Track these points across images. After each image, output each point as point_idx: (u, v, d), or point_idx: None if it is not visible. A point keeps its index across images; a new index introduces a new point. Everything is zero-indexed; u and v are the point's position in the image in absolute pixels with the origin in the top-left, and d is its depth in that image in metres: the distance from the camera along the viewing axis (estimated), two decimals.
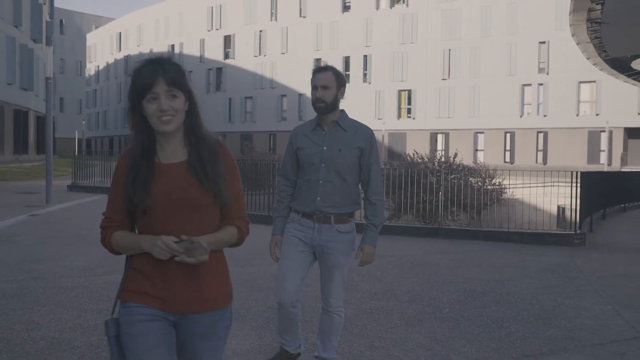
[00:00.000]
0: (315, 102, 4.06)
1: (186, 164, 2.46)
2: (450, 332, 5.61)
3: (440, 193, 13.32)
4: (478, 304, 6.73)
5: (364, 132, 4.15)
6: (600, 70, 25.86)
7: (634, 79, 25.18)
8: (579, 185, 11.70)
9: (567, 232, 11.56)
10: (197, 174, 2.43)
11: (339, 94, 4.10)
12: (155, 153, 2.48)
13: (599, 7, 15.26)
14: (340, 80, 4.11)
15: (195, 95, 2.53)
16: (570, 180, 11.87)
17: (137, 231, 2.52)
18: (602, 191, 15.41)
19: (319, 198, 4.06)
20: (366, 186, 4.20)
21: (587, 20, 16.24)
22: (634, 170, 21.01)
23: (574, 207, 11.69)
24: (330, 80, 4.05)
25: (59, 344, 4.98)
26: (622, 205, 19.42)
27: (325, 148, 4.06)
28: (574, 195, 11.78)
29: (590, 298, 7.18)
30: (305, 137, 4.15)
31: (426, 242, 11.62)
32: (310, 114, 44.88)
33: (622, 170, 40.44)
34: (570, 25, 17.18)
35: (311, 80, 4.11)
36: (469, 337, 5.47)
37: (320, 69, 4.11)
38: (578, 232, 11.46)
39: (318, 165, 4.06)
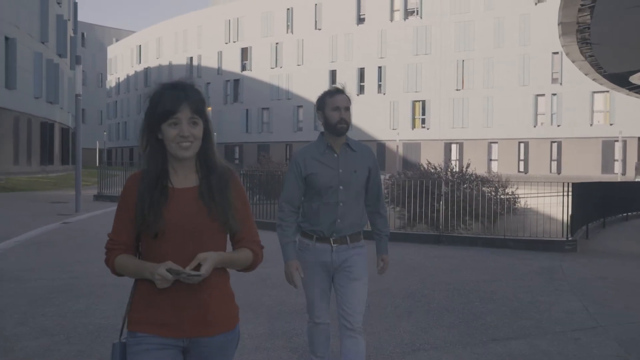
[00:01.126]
0: (338, 123, 4.03)
1: (198, 189, 2.51)
2: (433, 322, 6.57)
3: (447, 202, 13.97)
4: (463, 300, 7.69)
5: (369, 151, 4.25)
6: (601, 85, 26.61)
7: (636, 92, 25.89)
8: (569, 195, 12.61)
9: (559, 239, 12.46)
10: (205, 201, 2.47)
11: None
12: (168, 177, 2.50)
13: (587, 30, 16.05)
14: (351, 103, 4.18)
15: (210, 124, 2.57)
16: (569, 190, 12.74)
17: (140, 253, 2.55)
18: (599, 200, 16.24)
19: (338, 220, 4.07)
20: (376, 201, 4.28)
21: (578, 41, 17.05)
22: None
23: (565, 215, 12.60)
24: (349, 102, 4.10)
25: (105, 328, 6.01)
26: (624, 214, 20.15)
27: (341, 171, 4.06)
28: (565, 204, 12.69)
29: (565, 296, 8.11)
30: (316, 162, 4.09)
31: (428, 248, 12.56)
32: None
33: (637, 180, 41.00)
34: (562, 46, 18.01)
35: (326, 102, 4.09)
36: (449, 326, 6.44)
37: (338, 91, 4.12)
38: (570, 239, 12.36)
39: (335, 188, 4.05)
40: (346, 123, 4.03)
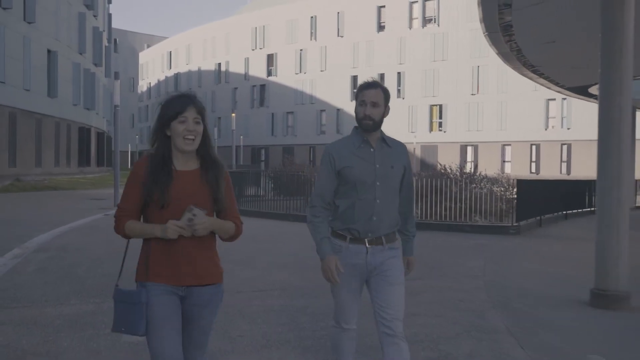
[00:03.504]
0: (363, 118, 3.89)
1: (199, 172, 3.14)
2: None
3: (455, 200, 15.70)
4: None
5: (403, 148, 4.11)
6: (569, 96, 28.90)
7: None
8: (515, 189, 15.41)
9: (507, 225, 15.21)
10: (204, 181, 3.12)
11: (386, 112, 3.96)
12: (172, 162, 3.11)
13: (524, 58, 18.33)
14: (387, 97, 3.96)
15: (208, 128, 3.20)
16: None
17: (146, 222, 3.16)
18: (544, 196, 18.32)
19: (375, 217, 3.89)
20: (408, 201, 4.13)
21: (524, 66, 19.11)
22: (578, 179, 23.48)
23: (514, 206, 15.37)
24: (379, 97, 3.90)
25: None
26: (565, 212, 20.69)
27: (377, 166, 3.90)
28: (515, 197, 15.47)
29: (473, 258, 11.01)
30: (352, 155, 3.92)
31: None
32: (348, 128, 49.78)
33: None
34: (512, 69, 20.41)
35: (357, 94, 3.96)
36: None
37: (369, 85, 3.94)
38: (514, 224, 15.09)
39: (372, 183, 3.88)
40: (371, 119, 3.87)
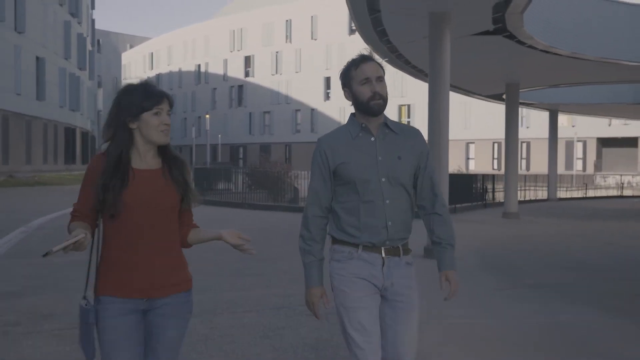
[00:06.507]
0: (371, 99, 3.03)
1: (161, 171, 2.82)
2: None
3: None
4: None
5: (415, 132, 3.21)
6: (491, 101, 32.06)
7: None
8: None
9: None
10: (173, 179, 2.82)
11: None
12: (130, 162, 2.78)
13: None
14: (384, 73, 3.15)
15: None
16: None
17: (101, 231, 2.82)
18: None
19: (390, 223, 3.01)
20: (432, 197, 3.15)
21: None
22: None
23: None
24: (381, 71, 3.12)
25: None
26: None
27: (380, 158, 3.04)
28: None
29: None
30: (347, 148, 3.07)
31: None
32: (322, 127, 53.91)
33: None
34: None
35: (352, 75, 3.09)
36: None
37: (366, 58, 3.12)
38: None
39: (376, 180, 3.02)
40: (381, 98, 3.06)
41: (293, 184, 23.73)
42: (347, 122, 3.18)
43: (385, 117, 3.13)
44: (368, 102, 3.04)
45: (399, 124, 3.19)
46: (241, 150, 77.60)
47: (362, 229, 3.02)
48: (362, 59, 3.10)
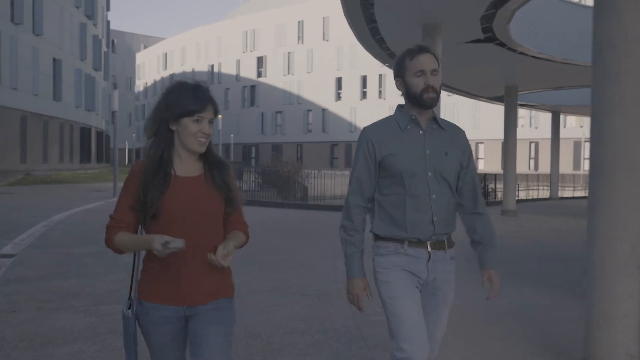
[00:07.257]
0: (424, 92, 2.99)
1: (204, 177, 2.74)
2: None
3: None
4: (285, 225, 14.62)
5: (460, 131, 3.22)
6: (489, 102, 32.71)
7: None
8: None
9: None
10: (211, 187, 2.72)
11: None
12: (172, 165, 2.69)
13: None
14: (439, 65, 3.09)
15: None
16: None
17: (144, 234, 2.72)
18: None
19: (436, 218, 3.02)
20: (474, 198, 3.22)
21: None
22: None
23: None
24: (436, 64, 3.05)
25: None
26: None
27: (428, 152, 3.03)
28: None
29: None
30: (395, 140, 3.04)
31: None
32: (333, 127, 54.99)
33: None
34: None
35: (406, 65, 3.04)
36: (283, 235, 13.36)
37: (422, 49, 3.07)
38: None
39: (423, 174, 3.01)
40: (435, 92, 3.00)
41: (303, 183, 24.54)
42: (395, 113, 3.14)
43: (434, 112, 3.10)
44: (421, 95, 3.00)
45: (445, 120, 3.18)
46: (253, 149, 78.58)
47: (408, 224, 3.00)
48: (420, 50, 3.06)
